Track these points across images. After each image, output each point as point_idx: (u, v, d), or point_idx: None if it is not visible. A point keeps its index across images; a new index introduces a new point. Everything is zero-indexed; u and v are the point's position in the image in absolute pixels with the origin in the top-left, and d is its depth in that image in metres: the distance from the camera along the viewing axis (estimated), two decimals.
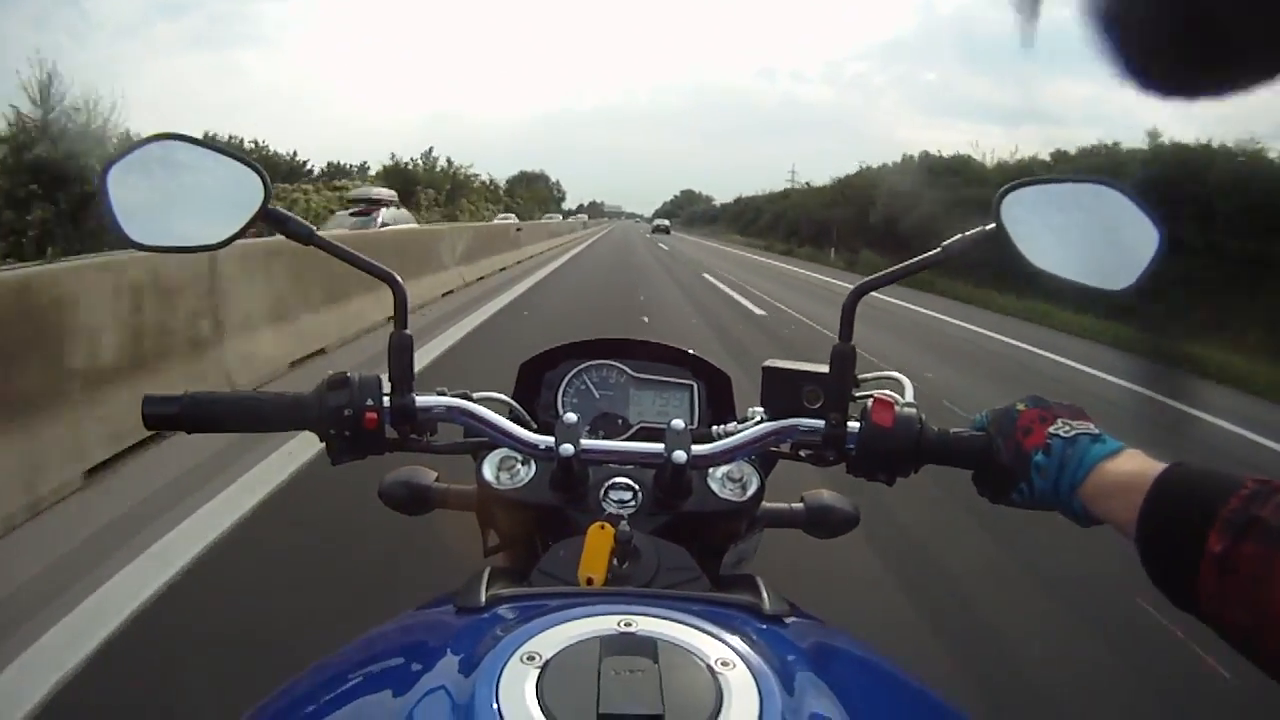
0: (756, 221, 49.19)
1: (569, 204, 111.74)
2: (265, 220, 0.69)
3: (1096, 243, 0.68)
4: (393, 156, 33.10)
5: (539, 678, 0.43)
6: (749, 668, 0.45)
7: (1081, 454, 0.60)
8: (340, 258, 0.71)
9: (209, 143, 0.71)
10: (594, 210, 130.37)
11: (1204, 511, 0.49)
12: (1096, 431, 0.62)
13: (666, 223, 64.22)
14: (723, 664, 0.45)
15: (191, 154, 0.70)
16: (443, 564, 0.87)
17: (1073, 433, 0.62)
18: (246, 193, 0.69)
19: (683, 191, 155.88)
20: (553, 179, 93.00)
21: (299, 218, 0.70)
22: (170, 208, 0.70)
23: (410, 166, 32.69)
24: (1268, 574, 0.45)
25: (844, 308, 0.70)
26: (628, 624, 0.49)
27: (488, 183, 43.51)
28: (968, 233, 0.69)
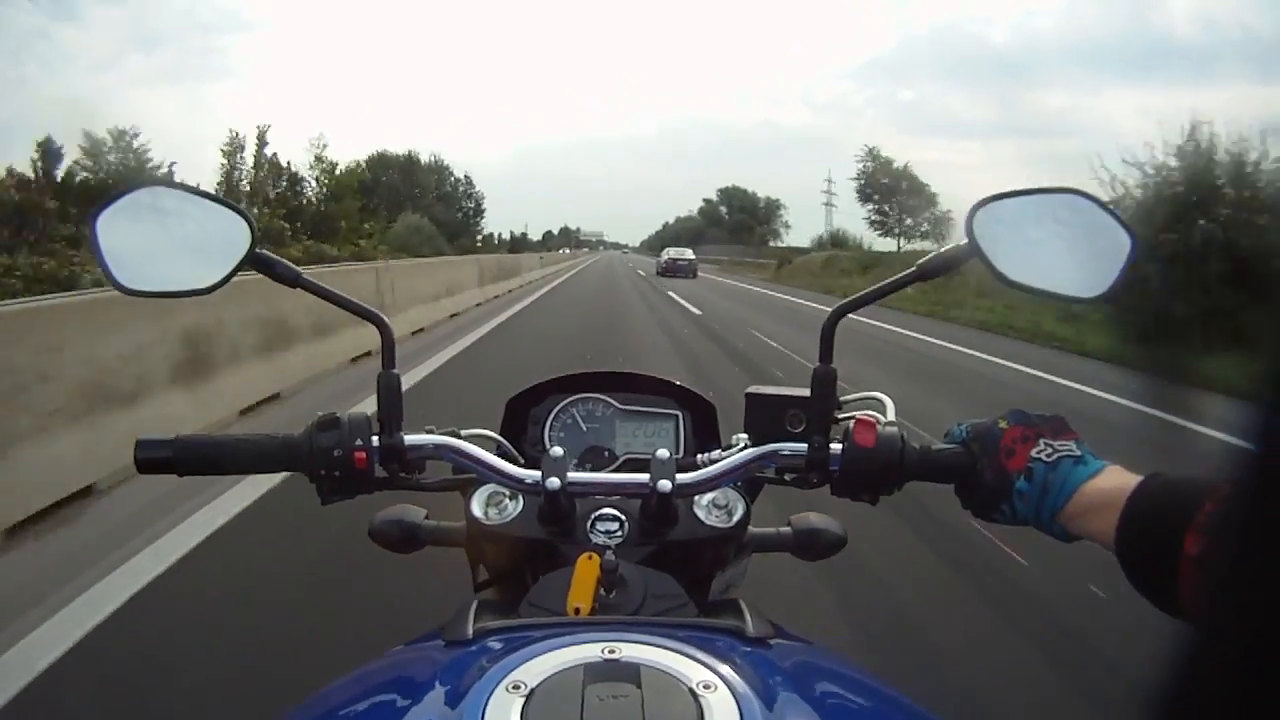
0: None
1: (531, 230, 76.80)
2: (253, 263, 0.70)
3: (1070, 252, 0.68)
4: None
5: (524, 706, 0.44)
6: (731, 690, 0.46)
7: (1063, 479, 0.60)
8: (326, 299, 0.72)
9: (196, 189, 0.72)
10: (565, 238, 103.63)
11: (1181, 515, 0.50)
12: (1078, 452, 0.61)
13: (690, 255, 33.35)
14: (705, 687, 0.46)
15: (179, 200, 0.71)
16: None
17: (1054, 456, 0.61)
18: (234, 237, 0.70)
19: (731, 187, 79.69)
20: (460, 173, 53.07)
21: (285, 261, 0.72)
22: (159, 253, 0.71)
23: None
24: None
25: (823, 329, 0.70)
26: (612, 651, 0.49)
27: None
28: (942, 250, 0.69)
